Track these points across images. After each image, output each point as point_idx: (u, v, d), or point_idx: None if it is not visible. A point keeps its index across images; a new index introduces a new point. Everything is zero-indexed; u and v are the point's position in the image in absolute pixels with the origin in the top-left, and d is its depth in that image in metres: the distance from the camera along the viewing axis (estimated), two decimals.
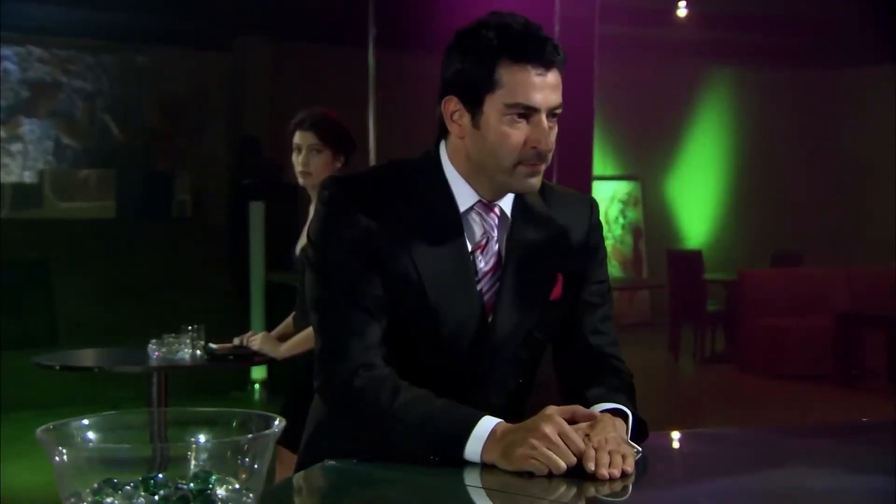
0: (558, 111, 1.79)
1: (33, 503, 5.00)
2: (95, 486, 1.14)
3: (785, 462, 1.82)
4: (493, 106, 1.77)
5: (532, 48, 1.75)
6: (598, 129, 5.48)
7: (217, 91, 9.57)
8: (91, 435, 1.23)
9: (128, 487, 1.15)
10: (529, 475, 1.59)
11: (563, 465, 1.58)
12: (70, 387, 6.57)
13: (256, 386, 7.74)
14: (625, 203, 12.11)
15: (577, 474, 1.58)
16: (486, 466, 1.64)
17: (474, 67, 1.77)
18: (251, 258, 7.79)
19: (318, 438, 2.09)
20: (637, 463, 1.64)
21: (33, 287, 7.82)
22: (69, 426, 1.22)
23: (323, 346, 1.80)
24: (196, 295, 7.83)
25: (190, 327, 3.87)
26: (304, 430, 2.17)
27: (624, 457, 1.61)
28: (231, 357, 3.83)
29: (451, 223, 1.83)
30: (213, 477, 1.16)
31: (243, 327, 5.33)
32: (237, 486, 1.17)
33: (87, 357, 4.21)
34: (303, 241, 3.35)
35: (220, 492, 1.16)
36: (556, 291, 1.89)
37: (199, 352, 3.85)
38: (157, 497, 1.14)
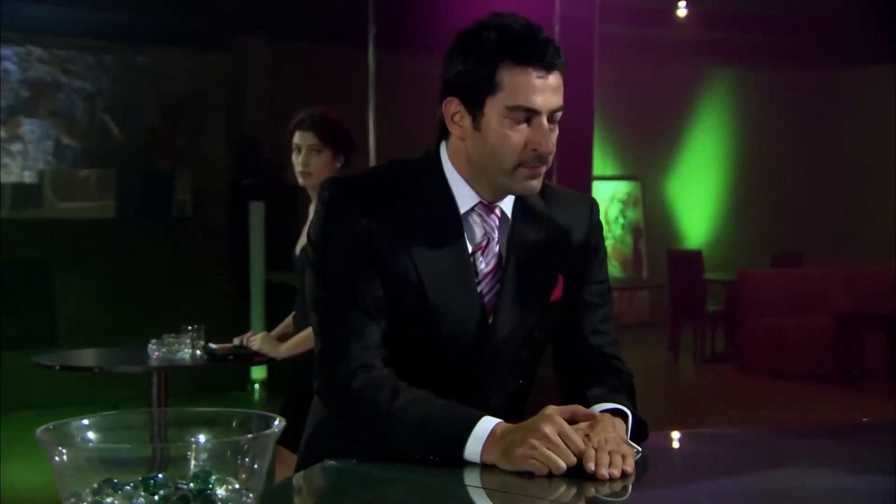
0: (559, 113, 1.79)
1: (33, 503, 5.00)
2: (95, 486, 1.14)
3: (785, 462, 1.81)
4: (493, 108, 1.77)
5: (533, 50, 1.75)
6: (598, 129, 5.48)
7: (217, 91, 9.57)
8: (91, 435, 1.23)
9: (128, 487, 1.15)
10: (529, 475, 1.59)
11: (563, 465, 1.58)
12: (70, 387, 6.57)
13: (256, 386, 7.74)
14: (625, 203, 12.11)
15: (577, 474, 1.58)
16: (486, 466, 1.64)
17: (475, 69, 1.77)
18: (251, 258, 7.79)
19: (318, 438, 2.09)
20: (637, 463, 1.64)
21: (33, 287, 7.82)
22: (69, 426, 1.22)
23: (322, 346, 1.80)
24: (196, 295, 7.83)
25: (190, 327, 3.87)
26: (304, 431, 2.17)
27: (624, 457, 1.61)
28: (231, 357, 3.83)
29: (452, 224, 1.83)
30: (213, 477, 1.16)
31: (243, 327, 5.33)
32: (237, 486, 1.17)
33: (87, 357, 4.21)
34: (303, 241, 3.35)
35: (220, 492, 1.16)
36: (557, 292, 1.89)
37: (199, 352, 3.84)
38: (157, 497, 1.14)
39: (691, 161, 12.40)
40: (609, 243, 11.32)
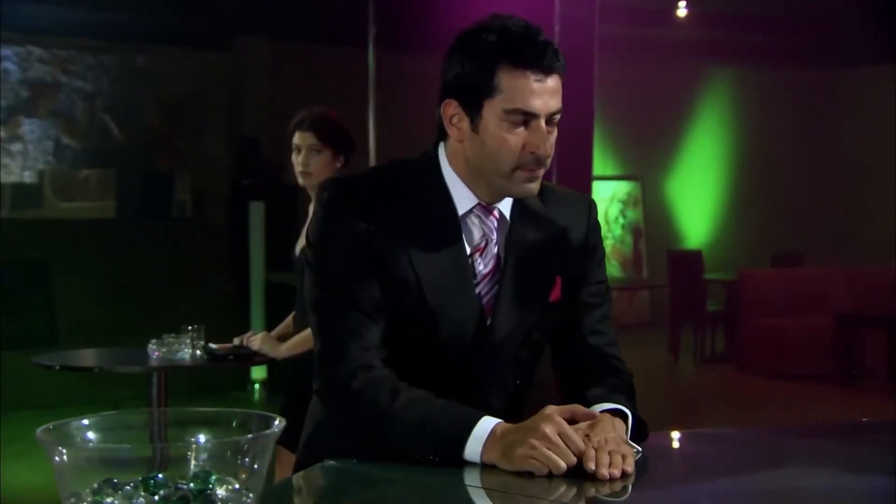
0: (557, 116, 1.79)
1: (33, 503, 5.00)
2: (95, 486, 1.14)
3: (785, 462, 1.82)
4: (492, 111, 1.77)
5: (531, 54, 1.75)
6: (598, 129, 5.48)
7: (217, 91, 9.57)
8: (91, 435, 1.23)
9: (128, 487, 1.15)
10: (529, 475, 1.59)
11: (563, 465, 1.58)
12: (70, 387, 6.57)
13: (256, 386, 7.74)
14: (625, 203, 12.11)
15: (577, 474, 1.58)
16: (486, 466, 1.64)
17: (474, 72, 1.77)
18: (251, 258, 7.79)
19: (317, 438, 2.09)
20: (637, 463, 1.64)
21: (33, 287, 7.82)
22: (69, 426, 1.22)
23: (322, 347, 1.80)
24: (196, 295, 7.83)
25: (190, 327, 3.87)
26: (304, 430, 2.17)
27: (624, 457, 1.61)
28: (231, 357, 3.83)
29: (450, 226, 1.83)
30: (213, 477, 1.16)
31: (243, 327, 5.33)
32: (237, 486, 1.18)
33: (87, 357, 4.21)
34: (302, 241, 3.35)
35: (220, 492, 1.16)
36: (556, 293, 1.89)
37: (199, 352, 3.85)
38: (157, 497, 1.14)
39: (691, 161, 12.40)
40: (609, 243, 11.35)
